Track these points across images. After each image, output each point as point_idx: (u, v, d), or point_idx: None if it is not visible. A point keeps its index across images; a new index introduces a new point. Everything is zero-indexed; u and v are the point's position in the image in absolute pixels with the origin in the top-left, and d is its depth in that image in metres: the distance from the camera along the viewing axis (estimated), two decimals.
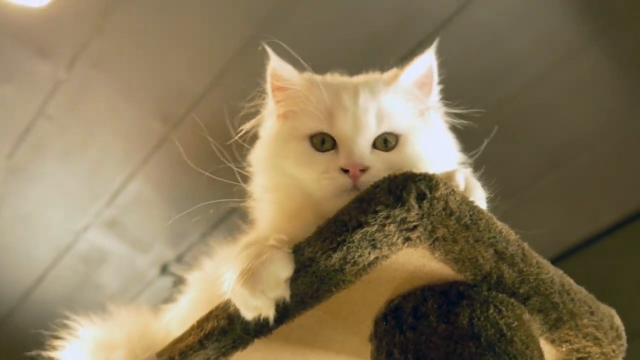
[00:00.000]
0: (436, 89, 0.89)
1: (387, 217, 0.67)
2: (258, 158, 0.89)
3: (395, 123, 0.82)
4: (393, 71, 0.89)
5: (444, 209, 0.67)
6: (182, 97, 1.87)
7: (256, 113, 0.91)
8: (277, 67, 0.87)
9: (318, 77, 0.87)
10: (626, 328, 0.82)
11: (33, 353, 1.02)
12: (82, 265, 2.41)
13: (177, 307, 1.00)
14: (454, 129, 0.90)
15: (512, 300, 0.74)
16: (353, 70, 0.92)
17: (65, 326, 0.99)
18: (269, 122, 0.90)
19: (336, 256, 0.70)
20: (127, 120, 1.96)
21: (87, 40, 1.76)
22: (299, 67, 0.87)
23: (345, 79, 0.89)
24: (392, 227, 0.67)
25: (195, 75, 1.84)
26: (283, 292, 0.72)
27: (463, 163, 0.88)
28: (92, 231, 2.27)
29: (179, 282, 1.04)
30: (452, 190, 0.69)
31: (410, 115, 0.84)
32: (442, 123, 0.89)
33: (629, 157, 1.99)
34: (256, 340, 0.78)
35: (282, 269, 0.71)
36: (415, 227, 0.67)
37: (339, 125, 0.81)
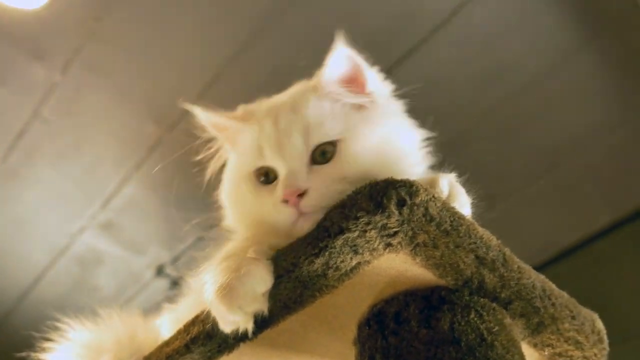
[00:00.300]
0: (372, 75, 0.84)
1: (368, 223, 0.67)
2: (223, 195, 0.88)
3: (327, 130, 0.78)
4: (317, 76, 0.84)
5: (424, 215, 0.68)
6: (176, 101, 1.87)
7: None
8: (204, 119, 0.87)
9: (251, 107, 0.86)
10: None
11: (23, 354, 1.03)
12: (78, 267, 2.41)
13: (174, 310, 1.01)
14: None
15: (494, 304, 0.74)
16: None
17: (57, 329, 1.00)
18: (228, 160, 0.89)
19: (319, 261, 0.70)
20: (122, 123, 1.97)
21: (82, 43, 1.77)
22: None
23: (273, 101, 0.86)
24: (373, 233, 0.68)
25: (188, 78, 1.85)
26: (261, 306, 0.71)
27: (428, 148, 0.85)
28: (87, 234, 2.28)
29: (177, 283, 1.04)
30: (433, 196, 0.69)
31: (344, 115, 0.79)
32: (395, 107, 0.85)
33: (622, 161, 2.00)
34: (242, 345, 0.78)
35: (260, 283, 0.71)
36: (395, 232, 0.67)
37: (268, 156, 0.79)
